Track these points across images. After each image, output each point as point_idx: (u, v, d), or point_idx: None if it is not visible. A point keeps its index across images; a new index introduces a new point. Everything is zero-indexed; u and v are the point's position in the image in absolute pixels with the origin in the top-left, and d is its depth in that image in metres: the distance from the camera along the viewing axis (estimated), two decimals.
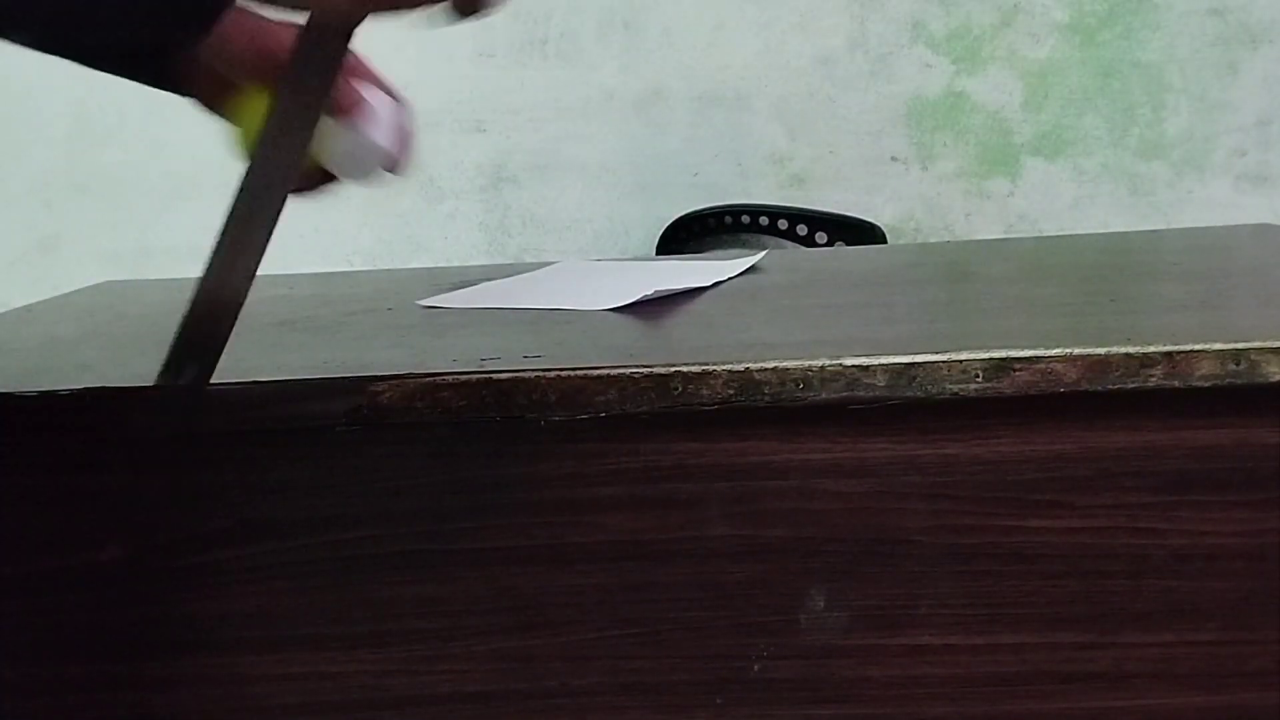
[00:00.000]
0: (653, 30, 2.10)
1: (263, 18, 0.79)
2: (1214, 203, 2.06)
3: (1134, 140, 2.07)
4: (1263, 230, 1.43)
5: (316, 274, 1.38)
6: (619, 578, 0.84)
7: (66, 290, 1.36)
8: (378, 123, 0.79)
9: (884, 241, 2.08)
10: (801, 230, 2.08)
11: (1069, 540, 0.83)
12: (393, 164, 0.81)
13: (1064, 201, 2.09)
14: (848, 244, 2.05)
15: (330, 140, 0.78)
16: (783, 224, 2.09)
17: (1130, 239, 1.47)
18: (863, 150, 2.10)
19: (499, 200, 2.22)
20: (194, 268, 0.77)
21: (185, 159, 2.09)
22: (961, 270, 1.31)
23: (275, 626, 0.85)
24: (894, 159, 2.11)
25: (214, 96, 0.81)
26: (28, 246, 2.26)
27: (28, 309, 1.21)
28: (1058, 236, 1.92)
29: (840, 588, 0.84)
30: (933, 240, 2.11)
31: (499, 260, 2.19)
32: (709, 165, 2.13)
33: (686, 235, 2.11)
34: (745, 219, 2.10)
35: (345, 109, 0.78)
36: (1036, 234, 2.08)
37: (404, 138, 0.81)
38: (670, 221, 2.12)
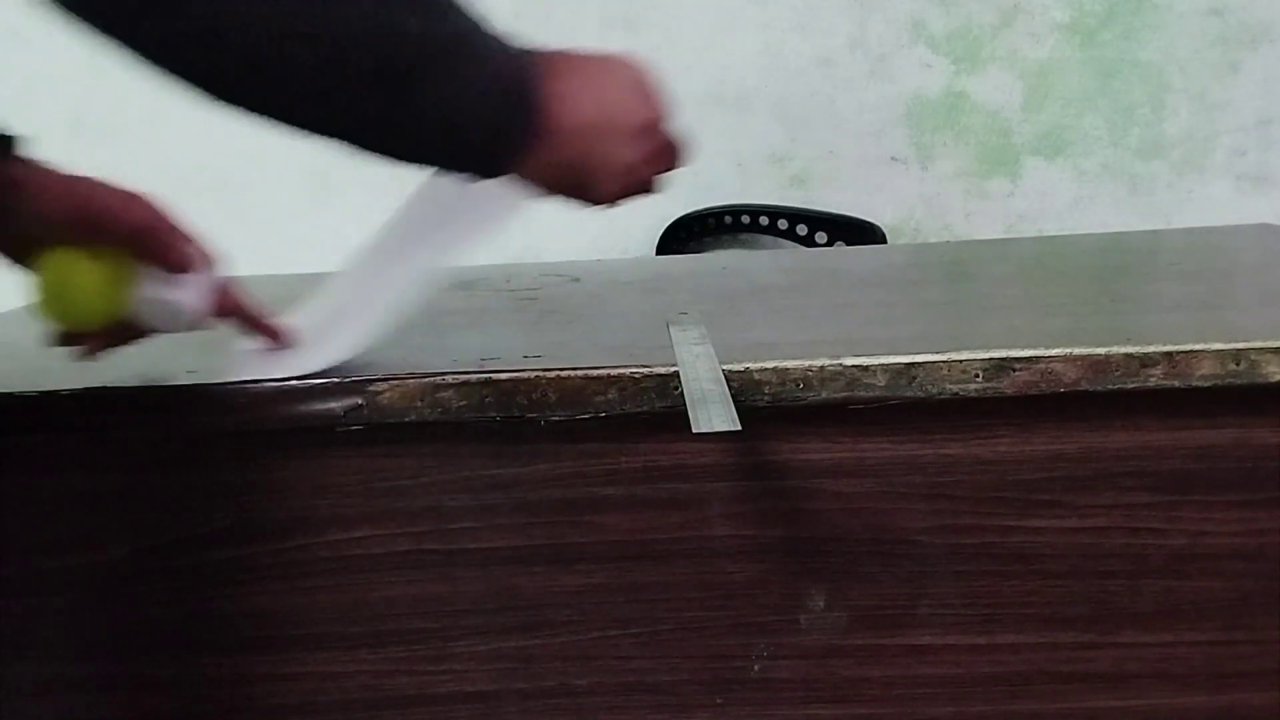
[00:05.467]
0: (653, 30, 2.10)
1: (71, 177, 0.80)
2: (1214, 203, 2.06)
3: (1134, 140, 2.07)
4: (1263, 230, 1.43)
5: (316, 274, 1.38)
6: (619, 578, 0.84)
7: None
8: (188, 281, 0.80)
9: (884, 241, 2.08)
10: (801, 230, 2.08)
11: (1069, 540, 0.83)
12: (202, 319, 0.82)
13: (1064, 201, 2.09)
14: (848, 244, 2.05)
15: (141, 293, 0.80)
16: (783, 224, 2.09)
17: (1130, 239, 1.47)
18: (863, 150, 2.10)
19: None
20: None
21: (184, 160, 2.08)
22: (961, 270, 1.30)
23: (275, 626, 0.85)
24: (894, 159, 2.11)
25: (20, 252, 0.81)
26: None
27: (28, 309, 1.21)
28: (1058, 236, 1.92)
29: (840, 588, 0.84)
30: (933, 240, 2.11)
31: (499, 261, 2.19)
32: (709, 165, 2.12)
33: (686, 235, 2.11)
34: (745, 219, 2.10)
35: (167, 264, 0.80)
36: (1036, 234, 2.07)
37: (216, 294, 0.82)
38: (670, 221, 2.12)
